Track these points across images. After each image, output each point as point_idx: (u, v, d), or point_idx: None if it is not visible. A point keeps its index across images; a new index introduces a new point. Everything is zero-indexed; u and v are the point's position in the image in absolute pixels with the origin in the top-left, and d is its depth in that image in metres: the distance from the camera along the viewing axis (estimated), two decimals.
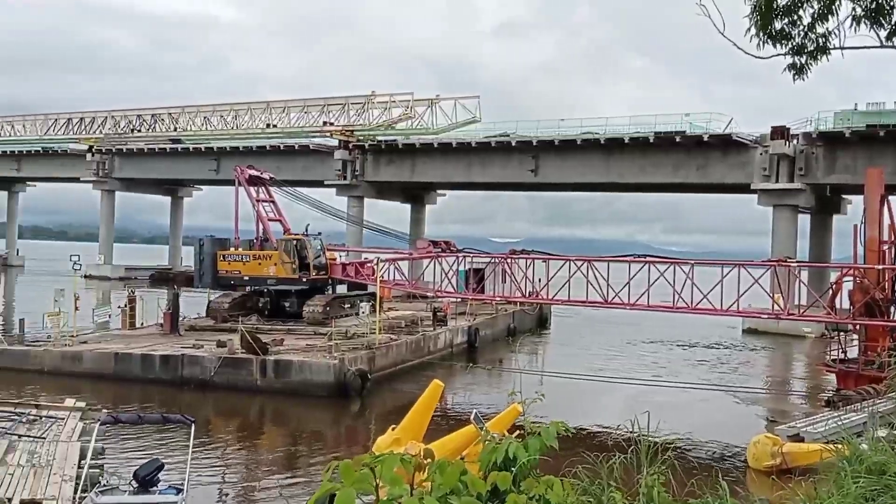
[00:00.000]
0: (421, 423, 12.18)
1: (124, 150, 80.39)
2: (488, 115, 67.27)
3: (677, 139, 53.14)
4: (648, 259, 30.15)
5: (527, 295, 34.24)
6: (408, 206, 74.85)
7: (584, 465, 5.67)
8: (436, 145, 62.38)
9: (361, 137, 65.63)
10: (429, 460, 2.69)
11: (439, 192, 75.65)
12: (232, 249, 37.58)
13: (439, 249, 36.58)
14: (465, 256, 36.50)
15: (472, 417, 11.52)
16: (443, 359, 32.81)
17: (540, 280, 33.15)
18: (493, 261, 35.66)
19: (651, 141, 53.95)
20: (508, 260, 33.75)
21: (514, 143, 59.42)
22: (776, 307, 28.12)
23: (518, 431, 3.93)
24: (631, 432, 6.33)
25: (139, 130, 79.94)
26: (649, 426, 6.20)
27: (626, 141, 54.98)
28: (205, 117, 75.74)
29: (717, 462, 18.40)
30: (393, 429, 12.11)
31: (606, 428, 18.13)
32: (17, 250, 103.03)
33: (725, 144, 52.60)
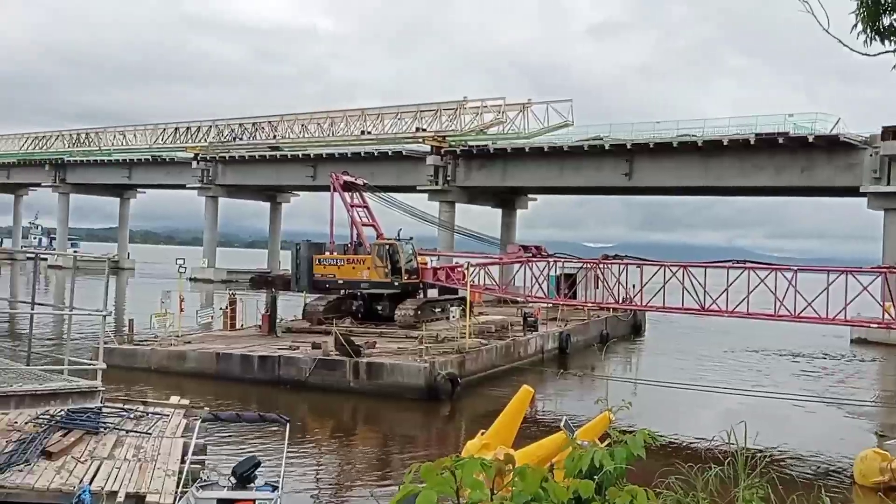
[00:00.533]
0: (510, 428, 12.11)
1: (227, 158, 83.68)
2: (581, 118, 66.45)
3: (780, 140, 51.05)
4: (748, 265, 29.05)
5: (620, 301, 33.58)
6: (499, 211, 74.76)
7: (677, 476, 5.50)
8: (527, 150, 62.07)
9: (453, 143, 65.99)
10: (510, 465, 2.66)
11: (530, 196, 75.23)
12: (327, 253, 38.40)
13: (530, 254, 36.32)
14: (556, 261, 36.10)
15: (562, 424, 11.38)
16: (533, 364, 32.52)
17: (634, 286, 32.44)
18: (584, 266, 35.14)
19: (752, 143, 52.03)
20: (601, 265, 33.19)
21: (607, 147, 58.48)
22: (887, 316, 26.55)
23: (608, 440, 3.85)
24: (728, 444, 6.10)
25: (241, 138, 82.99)
26: (746, 438, 5.97)
27: (726, 143, 53.22)
28: (302, 125, 77.91)
29: (821, 477, 17.52)
30: (482, 433, 12.08)
31: (702, 439, 17.55)
32: (128, 254, 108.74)
33: (832, 145, 50.19)
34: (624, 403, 5.77)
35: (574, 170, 61.43)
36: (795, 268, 27.53)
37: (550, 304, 39.20)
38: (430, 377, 25.15)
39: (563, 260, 36.45)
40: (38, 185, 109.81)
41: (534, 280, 34.88)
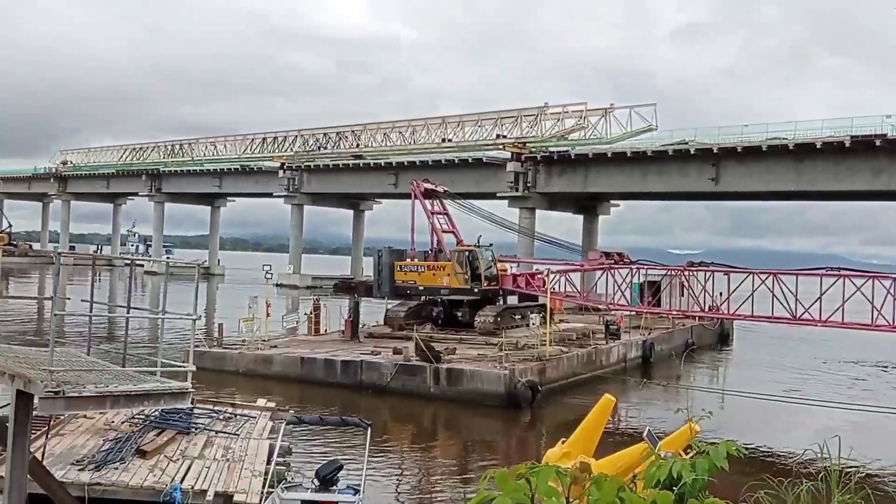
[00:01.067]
0: (591, 437, 11.91)
1: (312, 167, 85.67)
2: (665, 122, 65.45)
3: (877, 143, 48.71)
4: (843, 273, 27.79)
5: (706, 309, 32.66)
6: (580, 217, 73.89)
7: (766, 490, 5.32)
8: (609, 155, 61.16)
9: (534, 149, 65.67)
10: (587, 474, 2.62)
11: (613, 202, 74.05)
12: (408, 260, 38.73)
13: (612, 261, 35.75)
14: (639, 268, 35.43)
15: (644, 434, 11.14)
16: (615, 373, 31.97)
17: (721, 294, 31.49)
18: (669, 273, 34.35)
19: (847, 145, 49.81)
20: (686, 272, 32.36)
21: (692, 151, 57.04)
22: None
23: (692, 452, 3.75)
24: (821, 458, 5.86)
25: (325, 148, 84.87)
26: (841, 452, 5.72)
27: (819, 146, 51.11)
28: (384, 134, 79.06)
29: None
30: (563, 442, 11.93)
31: (793, 453, 16.86)
32: (218, 260, 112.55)
33: None
34: (704, 413, 5.60)
35: (658, 175, 60.15)
36: (894, 276, 26.18)
37: (633, 312, 38.45)
38: (511, 384, 25.03)
39: (646, 267, 35.73)
40: (136, 194, 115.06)
41: (616, 287, 34.28)
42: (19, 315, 43.37)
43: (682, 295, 34.65)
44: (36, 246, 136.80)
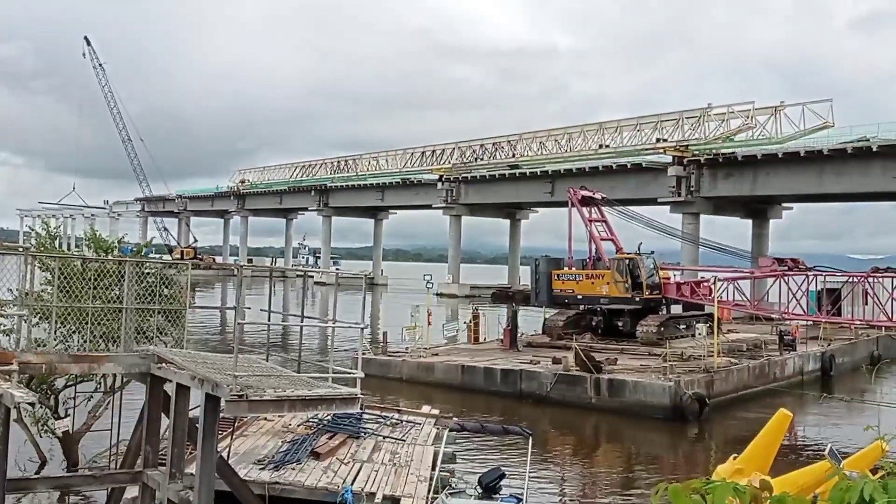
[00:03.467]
0: (766, 454, 11.26)
1: (469, 178, 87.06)
2: (843, 119, 60.63)
3: None
4: None
5: (894, 319, 30.03)
6: (748, 222, 70.35)
7: None
8: (780, 155, 57.71)
9: (697, 152, 63.22)
10: (767, 492, 2.50)
11: (784, 205, 69.86)
12: (566, 269, 38.45)
13: (785, 268, 33.71)
14: (816, 275, 33.18)
15: (826, 453, 10.40)
16: (791, 387, 30.05)
17: None
18: (850, 280, 31.93)
19: None
20: (870, 279, 29.93)
21: (874, 148, 52.70)
22: None
23: (881, 472, 3.48)
24: None
25: (481, 159, 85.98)
26: None
27: None
28: (540, 142, 78.95)
29: None
30: (734, 458, 11.36)
31: None
32: (382, 271, 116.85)
33: None
34: None
35: (835, 175, 56.03)
36: None
37: (810, 322, 36.06)
38: (676, 396, 24.19)
39: (824, 273, 33.43)
40: (305, 209, 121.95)
41: (790, 295, 32.31)
42: (205, 324, 47.03)
43: (866, 303, 32.13)
44: (218, 259, 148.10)
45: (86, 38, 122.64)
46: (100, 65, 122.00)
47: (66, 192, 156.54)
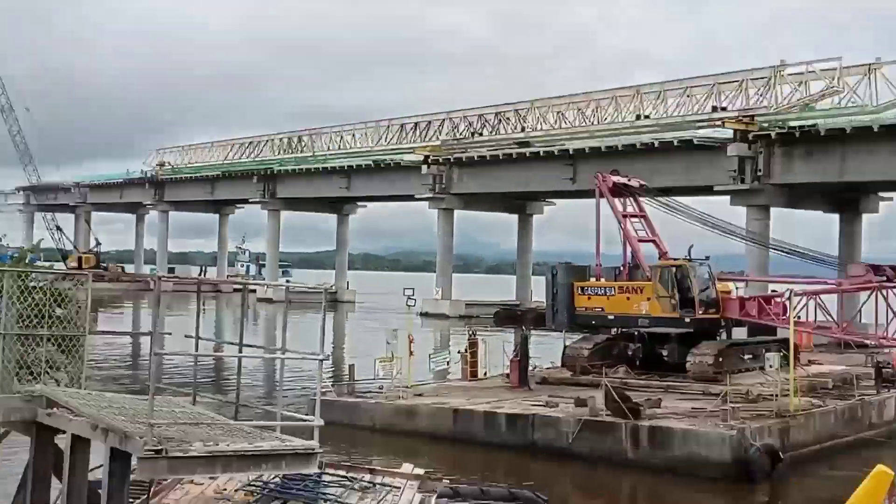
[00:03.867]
0: None
1: (464, 160, 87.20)
2: None
3: None
4: None
5: None
6: (835, 218, 70.77)
7: None
8: (877, 129, 58.06)
9: (766, 124, 63.56)
10: None
11: (883, 195, 70.33)
12: (593, 280, 38.47)
13: (883, 278, 33.88)
14: None
15: None
16: (892, 436, 30.19)
17: None
18: None
19: None
20: None
21: None
22: None
23: None
24: None
25: (480, 134, 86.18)
26: None
27: None
28: (558, 113, 79.23)
29: None
30: None
31: None
32: (348, 283, 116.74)
33: None
34: None
35: None
36: None
37: None
38: (740, 449, 24.23)
39: None
40: (246, 201, 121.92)
41: (891, 314, 32.50)
42: (112, 354, 46.86)
43: None
44: (129, 268, 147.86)
45: None
46: None
47: None
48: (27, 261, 21.39)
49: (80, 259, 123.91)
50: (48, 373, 12.44)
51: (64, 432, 10.67)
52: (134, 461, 9.05)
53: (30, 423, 11.35)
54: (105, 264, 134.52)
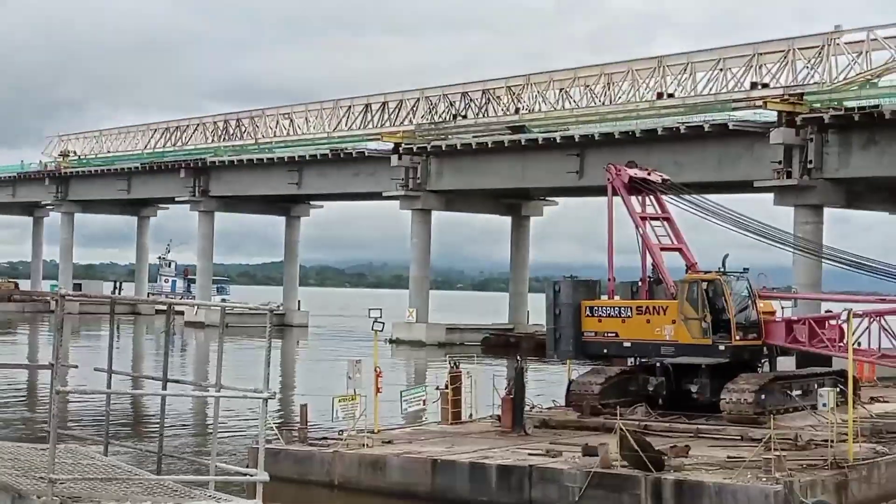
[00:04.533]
0: None
1: (444, 149, 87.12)
2: None
3: None
4: None
5: None
6: None
7: None
8: None
9: (817, 105, 63.95)
10: None
11: None
12: (605, 298, 38.54)
13: None
14: None
15: None
16: None
17: None
18: None
19: None
20: None
21: None
22: None
23: None
24: None
25: (464, 116, 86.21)
26: None
27: None
28: (561, 90, 79.42)
29: None
30: None
31: None
32: (299, 302, 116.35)
33: None
34: None
35: None
36: None
37: None
38: None
39: None
40: (171, 200, 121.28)
41: None
42: (5, 392, 46.55)
43: None
44: (25, 284, 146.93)
45: None
46: None
47: None
48: None
49: None
50: None
51: None
52: None
53: None
54: None
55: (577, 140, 77.33)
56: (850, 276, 45.17)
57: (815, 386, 35.15)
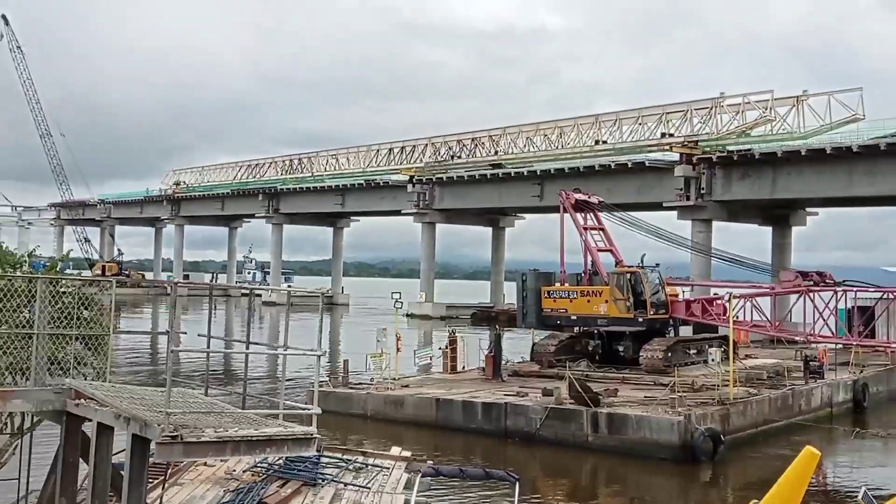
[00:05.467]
0: (790, 498, 11.34)
1: (444, 179, 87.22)
2: (875, 111, 62.03)
3: None
4: None
5: None
6: (768, 230, 71.21)
7: None
8: (804, 153, 58.52)
9: (708, 149, 63.93)
10: None
11: (809, 210, 70.81)
12: (558, 285, 38.55)
13: (811, 282, 34.11)
14: (846, 291, 33.61)
15: (860, 497, 10.53)
16: (818, 420, 30.36)
17: None
18: (885, 296, 32.40)
19: None
20: None
21: None
22: None
23: None
24: None
25: (459, 157, 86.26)
26: None
27: None
28: (527, 138, 79.39)
29: None
30: None
31: None
32: (342, 288, 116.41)
33: None
34: None
35: (868, 176, 56.90)
36: None
37: (840, 345, 36.46)
38: (686, 433, 24.29)
39: (855, 289, 33.86)
40: (252, 216, 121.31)
41: (817, 314, 32.67)
42: (133, 352, 46.54)
43: None
44: (149, 275, 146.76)
45: (3, 16, 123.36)
46: (18, 47, 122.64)
47: None
48: (58, 269, 21.23)
49: (103, 267, 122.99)
50: (76, 368, 12.34)
51: (90, 421, 10.57)
52: (153, 446, 8.97)
53: (60, 412, 11.24)
54: (127, 271, 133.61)
55: (538, 173, 77.40)
56: (730, 269, 45.22)
57: (706, 347, 35.23)
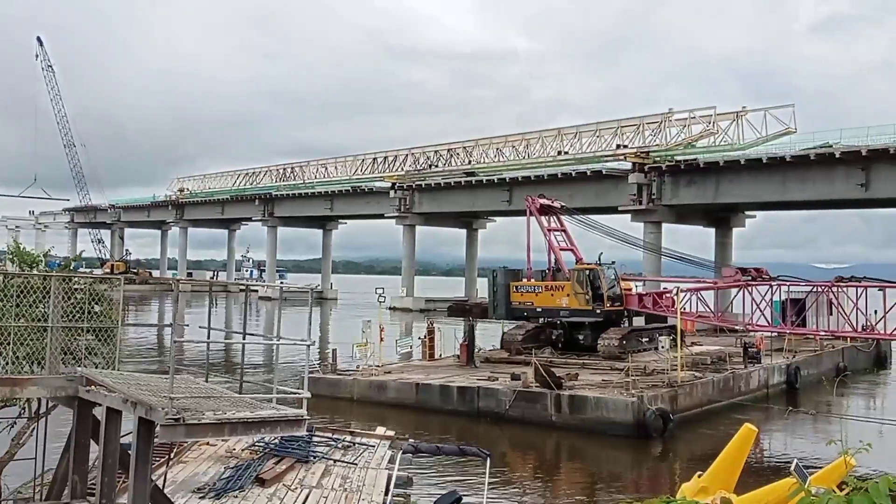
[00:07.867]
0: (731, 471, 11.45)
1: (423, 186, 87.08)
2: (806, 125, 62.82)
3: None
4: None
5: (859, 329, 30.84)
6: (711, 231, 71.69)
7: None
8: (743, 162, 59.05)
9: (658, 158, 64.30)
10: None
11: (748, 213, 71.41)
12: (524, 280, 38.64)
13: (749, 277, 34.38)
14: (780, 285, 33.90)
15: (792, 468, 10.60)
16: (756, 400, 30.64)
17: (876, 312, 29.65)
18: (814, 290, 32.72)
19: None
20: (834, 289, 30.70)
21: (838, 155, 54.24)
22: None
23: (846, 488, 3.54)
24: None
25: (436, 166, 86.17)
26: None
27: None
28: (497, 149, 79.48)
29: None
30: (699, 476, 11.53)
31: None
32: (331, 284, 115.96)
33: None
34: (863, 445, 5.26)
35: (799, 182, 57.49)
36: None
37: (775, 333, 36.81)
38: (639, 412, 24.44)
39: (788, 283, 34.15)
40: (249, 219, 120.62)
41: (754, 306, 32.94)
42: (140, 343, 46.11)
43: (831, 314, 32.94)
44: (155, 273, 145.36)
45: (38, 38, 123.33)
46: (49, 66, 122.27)
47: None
48: (71, 268, 20.99)
49: (111, 266, 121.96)
50: (88, 357, 12.22)
51: (100, 405, 10.46)
52: (157, 428, 8.89)
53: (72, 398, 11.13)
54: (135, 270, 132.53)
55: (507, 181, 77.35)
56: (678, 266, 45.51)
57: (657, 335, 35.39)
